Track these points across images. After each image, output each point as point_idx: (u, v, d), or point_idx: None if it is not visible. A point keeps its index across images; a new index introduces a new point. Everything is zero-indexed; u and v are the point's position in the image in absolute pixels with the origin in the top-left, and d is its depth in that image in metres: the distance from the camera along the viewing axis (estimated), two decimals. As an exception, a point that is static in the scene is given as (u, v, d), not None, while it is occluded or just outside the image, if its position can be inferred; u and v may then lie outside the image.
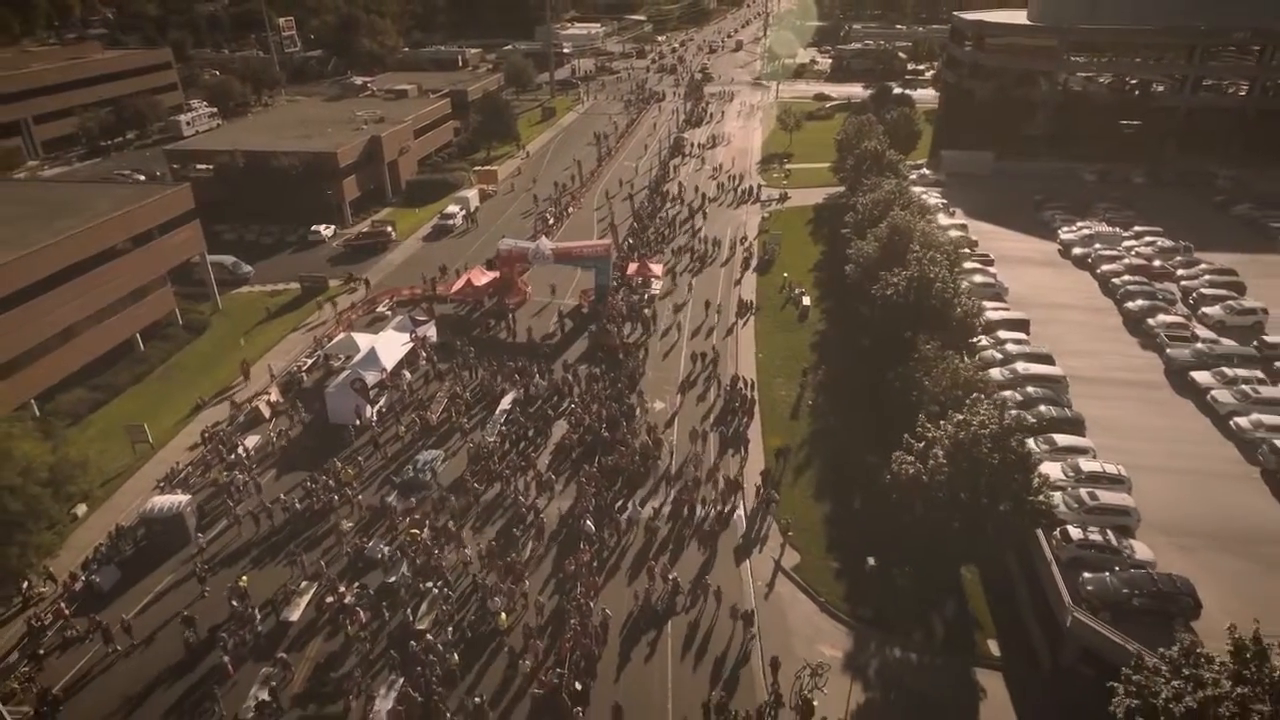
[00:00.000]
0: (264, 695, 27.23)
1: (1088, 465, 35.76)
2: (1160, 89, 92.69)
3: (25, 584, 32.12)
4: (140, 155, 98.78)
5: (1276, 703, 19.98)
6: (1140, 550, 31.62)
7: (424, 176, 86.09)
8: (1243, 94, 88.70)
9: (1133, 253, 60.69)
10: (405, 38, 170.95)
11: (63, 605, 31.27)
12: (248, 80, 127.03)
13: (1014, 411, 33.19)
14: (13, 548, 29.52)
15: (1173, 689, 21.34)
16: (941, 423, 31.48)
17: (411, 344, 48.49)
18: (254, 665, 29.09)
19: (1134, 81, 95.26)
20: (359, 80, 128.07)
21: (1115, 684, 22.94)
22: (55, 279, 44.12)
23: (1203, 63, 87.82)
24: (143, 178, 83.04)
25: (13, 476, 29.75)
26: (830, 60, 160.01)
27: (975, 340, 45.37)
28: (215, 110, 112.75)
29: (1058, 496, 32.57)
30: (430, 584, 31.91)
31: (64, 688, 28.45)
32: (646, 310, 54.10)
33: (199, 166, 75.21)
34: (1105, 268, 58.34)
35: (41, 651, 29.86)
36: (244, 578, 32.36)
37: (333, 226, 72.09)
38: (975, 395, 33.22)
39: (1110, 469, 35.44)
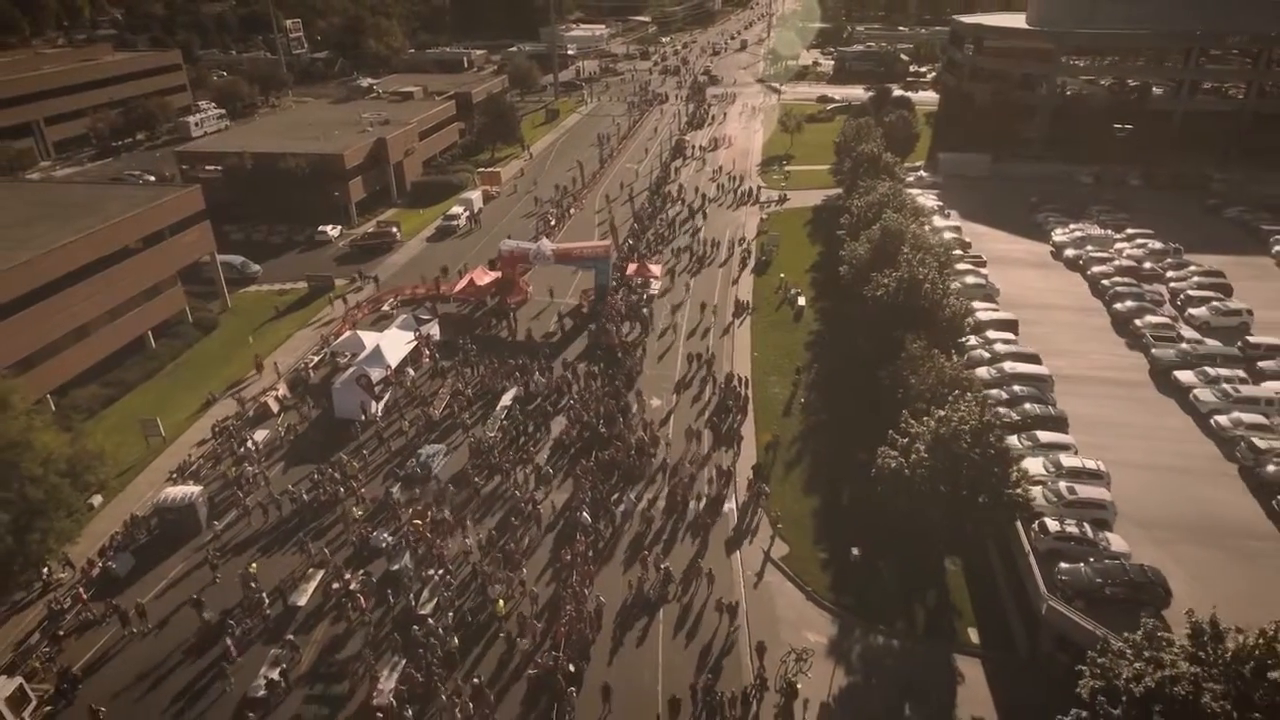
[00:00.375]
0: (273, 675, 28.50)
1: (1068, 461, 36.88)
2: (1159, 92, 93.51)
3: (46, 570, 33.43)
4: (150, 156, 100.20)
5: (1229, 681, 21.10)
6: (1116, 542, 32.75)
7: (429, 178, 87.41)
8: (1240, 98, 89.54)
9: (1123, 255, 61.65)
10: (411, 39, 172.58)
11: (81, 590, 32.52)
12: (255, 82, 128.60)
13: (997, 408, 34.25)
14: (34, 534, 30.73)
15: (1134, 670, 22.43)
16: (925, 418, 32.64)
17: (415, 342, 49.86)
18: (263, 647, 30.36)
19: (1134, 85, 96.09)
20: (365, 82, 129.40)
21: (1083, 667, 24.06)
22: (71, 278, 45.48)
23: (1199, 66, 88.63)
24: (153, 179, 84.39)
25: (34, 467, 30.95)
26: (833, 62, 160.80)
27: (964, 340, 46.43)
28: (223, 112, 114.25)
29: (1037, 490, 33.68)
30: (432, 572, 33.16)
31: (83, 667, 29.82)
32: (645, 310, 55.29)
33: (208, 168, 76.52)
34: (1096, 269, 59.28)
35: (61, 633, 31.15)
36: (254, 565, 33.61)
37: (339, 227, 73.47)
38: (957, 392, 34.35)
39: (1090, 464, 36.56)
